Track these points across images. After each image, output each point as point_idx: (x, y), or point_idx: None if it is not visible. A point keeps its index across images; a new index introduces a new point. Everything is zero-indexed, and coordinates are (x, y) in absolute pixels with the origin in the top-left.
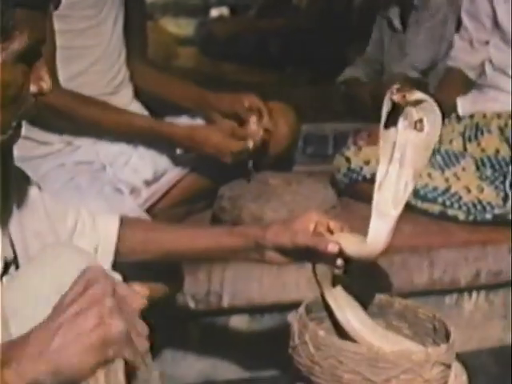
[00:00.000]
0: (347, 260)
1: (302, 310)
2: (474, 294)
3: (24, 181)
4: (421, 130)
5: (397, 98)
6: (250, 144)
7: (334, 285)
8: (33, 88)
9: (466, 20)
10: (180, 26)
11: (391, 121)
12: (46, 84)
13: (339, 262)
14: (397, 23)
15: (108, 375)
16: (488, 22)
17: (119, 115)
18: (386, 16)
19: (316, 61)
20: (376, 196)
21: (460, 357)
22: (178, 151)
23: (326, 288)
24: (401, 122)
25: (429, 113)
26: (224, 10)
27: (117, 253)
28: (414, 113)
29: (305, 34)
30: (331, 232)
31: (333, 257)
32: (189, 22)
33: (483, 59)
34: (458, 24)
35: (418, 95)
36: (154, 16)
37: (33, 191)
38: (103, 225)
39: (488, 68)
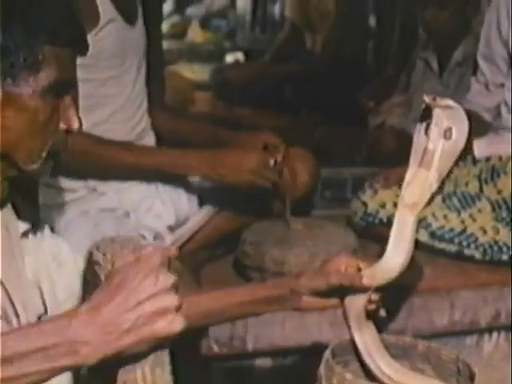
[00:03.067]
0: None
1: (328, 353)
2: (495, 335)
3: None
4: (449, 138)
5: (428, 99)
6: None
7: (364, 327)
8: (62, 125)
9: (481, 63)
10: (195, 72)
11: (423, 128)
12: (75, 123)
13: (373, 296)
14: (435, 66)
15: (154, 368)
16: (503, 65)
17: (141, 154)
18: (423, 57)
19: (330, 105)
20: (403, 192)
21: None
22: None
23: (355, 330)
24: (432, 131)
25: (457, 121)
26: (239, 55)
27: None
28: (445, 121)
29: (319, 78)
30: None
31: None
32: (203, 67)
33: (499, 102)
34: (474, 67)
35: (448, 101)
36: (169, 62)
37: (63, 246)
38: None
39: (503, 110)
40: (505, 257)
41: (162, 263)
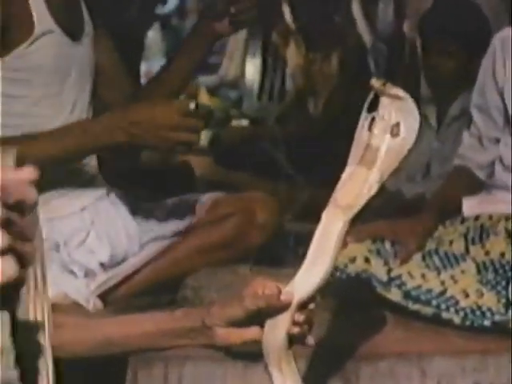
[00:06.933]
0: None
1: None
2: None
3: None
4: (396, 134)
5: (376, 84)
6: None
7: (285, 363)
8: None
9: (475, 115)
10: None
11: (368, 123)
12: None
13: (297, 316)
14: (433, 121)
15: None
16: (499, 118)
17: (70, 134)
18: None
19: (326, 168)
20: (336, 193)
21: None
22: None
23: (274, 368)
24: (377, 125)
25: (407, 115)
26: (244, 123)
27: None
28: (393, 115)
29: (316, 142)
30: None
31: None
32: (207, 133)
33: (493, 158)
34: (469, 120)
35: (398, 90)
36: None
37: None
38: None
39: (498, 168)
40: (487, 323)
41: None
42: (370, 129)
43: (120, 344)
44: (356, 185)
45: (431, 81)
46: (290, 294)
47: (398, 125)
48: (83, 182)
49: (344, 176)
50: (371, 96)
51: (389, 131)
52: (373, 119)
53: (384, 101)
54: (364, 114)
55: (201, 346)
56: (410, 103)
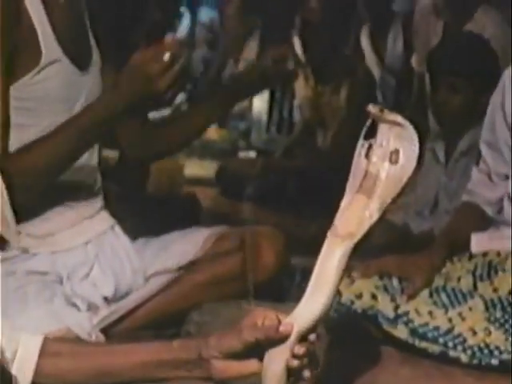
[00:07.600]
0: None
1: None
2: None
3: None
4: (395, 162)
5: (374, 110)
6: None
7: None
8: None
9: (484, 150)
10: (204, 168)
11: (365, 150)
12: None
13: (297, 348)
14: (441, 156)
15: None
16: (508, 153)
17: (69, 126)
18: (431, 148)
19: (334, 202)
20: (336, 222)
21: None
22: None
23: None
24: (375, 152)
25: (406, 142)
26: (252, 154)
27: (40, 373)
28: (392, 142)
29: (325, 175)
30: None
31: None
32: (214, 164)
33: (502, 194)
34: (477, 155)
35: (397, 116)
36: (179, 157)
37: None
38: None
39: (506, 204)
40: (495, 361)
41: None
42: (367, 156)
43: (115, 374)
44: (356, 213)
45: (439, 116)
46: (289, 326)
47: (396, 152)
48: (88, 214)
49: (343, 204)
50: (368, 123)
51: (387, 158)
52: (370, 146)
53: (382, 127)
54: (361, 141)
55: (198, 379)
56: (409, 130)
